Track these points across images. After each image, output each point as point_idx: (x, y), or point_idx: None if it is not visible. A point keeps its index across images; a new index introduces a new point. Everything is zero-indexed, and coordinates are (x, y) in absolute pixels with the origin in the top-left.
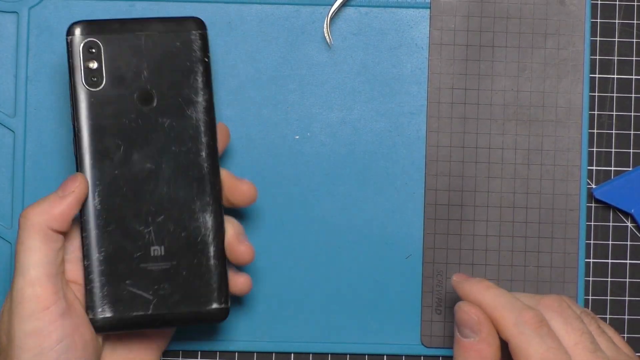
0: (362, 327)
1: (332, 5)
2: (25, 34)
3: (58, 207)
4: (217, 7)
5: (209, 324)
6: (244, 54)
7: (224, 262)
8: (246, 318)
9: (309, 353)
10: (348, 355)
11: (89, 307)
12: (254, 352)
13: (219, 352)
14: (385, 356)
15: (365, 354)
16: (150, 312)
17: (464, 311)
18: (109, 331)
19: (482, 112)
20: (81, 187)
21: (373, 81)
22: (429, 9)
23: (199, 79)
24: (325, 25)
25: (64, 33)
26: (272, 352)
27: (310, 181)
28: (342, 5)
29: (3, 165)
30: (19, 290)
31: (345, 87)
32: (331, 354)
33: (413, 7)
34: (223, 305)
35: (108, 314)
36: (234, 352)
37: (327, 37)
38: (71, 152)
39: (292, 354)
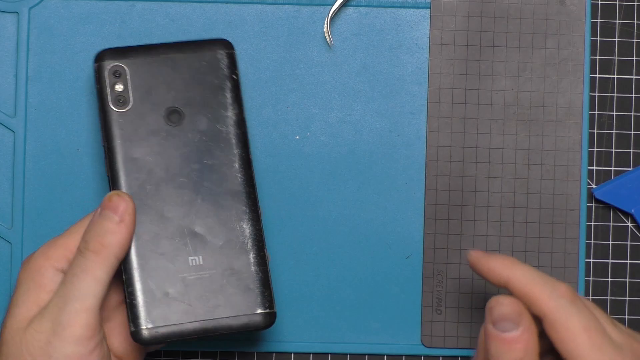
0: (362, 327)
1: (332, 5)
2: (25, 34)
3: (122, 235)
4: (217, 7)
5: (255, 332)
6: (244, 54)
7: (266, 268)
8: None
9: (309, 353)
10: (348, 355)
11: (132, 320)
12: (254, 352)
13: (219, 352)
14: (385, 356)
15: (365, 354)
16: (193, 321)
17: (503, 304)
18: (153, 344)
19: (482, 112)
20: (133, 206)
21: (373, 81)
22: (429, 9)
23: (228, 95)
24: (325, 25)
25: (64, 33)
26: (272, 352)
27: (311, 181)
28: (342, 5)
29: (3, 165)
30: (73, 314)
31: (345, 87)
32: (331, 354)
33: (413, 7)
34: (268, 310)
35: (151, 326)
36: (234, 352)
37: (327, 37)
38: (72, 151)
39: (292, 354)
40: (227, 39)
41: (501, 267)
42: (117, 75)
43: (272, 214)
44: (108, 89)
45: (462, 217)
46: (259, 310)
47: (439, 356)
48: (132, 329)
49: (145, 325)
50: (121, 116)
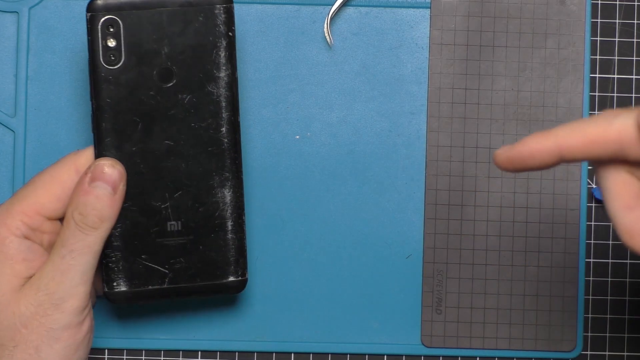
0: (362, 327)
1: (332, 5)
2: (25, 34)
3: (118, 207)
4: None
5: (225, 295)
6: (244, 54)
7: (243, 235)
8: (246, 318)
9: (309, 353)
10: (348, 355)
11: (106, 281)
12: (254, 352)
13: (219, 352)
14: (385, 356)
15: (365, 354)
16: (165, 285)
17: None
18: (124, 304)
19: (482, 112)
20: (125, 175)
21: (373, 81)
22: (429, 9)
23: (222, 54)
24: (325, 25)
25: (64, 32)
26: (272, 352)
27: (310, 181)
28: (342, 5)
29: (3, 165)
30: (73, 288)
31: (345, 87)
32: (331, 354)
33: (413, 7)
34: (240, 278)
35: (124, 288)
36: (234, 352)
37: (327, 37)
38: (71, 151)
39: (292, 354)
40: None
41: (543, 142)
42: (111, 28)
43: (272, 214)
44: (100, 44)
45: (462, 217)
46: (232, 278)
47: (439, 356)
48: (106, 289)
49: (117, 288)
50: (111, 73)
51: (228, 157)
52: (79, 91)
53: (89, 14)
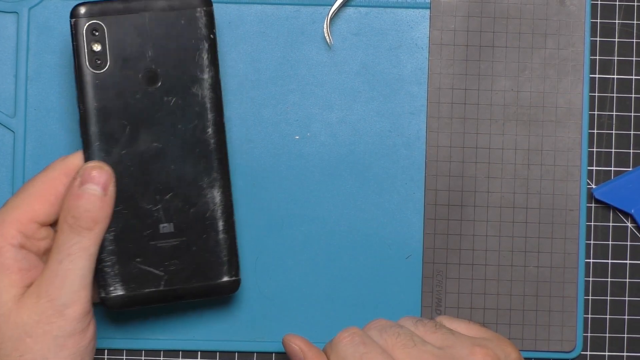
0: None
1: (332, 5)
2: (25, 34)
3: (110, 208)
4: (217, 7)
5: (220, 297)
6: (244, 54)
7: (234, 235)
8: (246, 318)
9: None
10: None
11: (101, 286)
12: (254, 352)
13: (219, 352)
14: None
15: None
16: (161, 288)
17: (289, 342)
18: (121, 308)
19: (482, 112)
20: (114, 177)
21: (373, 81)
22: (429, 9)
23: (205, 56)
24: (325, 25)
25: (64, 33)
26: (272, 352)
27: (310, 181)
28: (342, 5)
29: (3, 165)
30: (75, 294)
31: (345, 87)
32: None
33: (413, 7)
34: (233, 278)
35: (120, 292)
36: (234, 352)
37: (327, 37)
38: (71, 151)
39: None
40: None
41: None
42: (95, 33)
43: (272, 214)
44: (85, 49)
45: (462, 217)
46: (226, 278)
47: None
48: (103, 294)
49: (114, 293)
50: (98, 77)
51: (215, 157)
52: None
53: (73, 19)
